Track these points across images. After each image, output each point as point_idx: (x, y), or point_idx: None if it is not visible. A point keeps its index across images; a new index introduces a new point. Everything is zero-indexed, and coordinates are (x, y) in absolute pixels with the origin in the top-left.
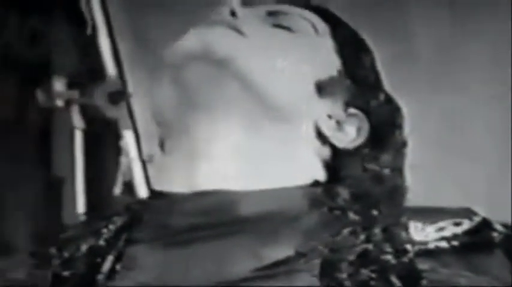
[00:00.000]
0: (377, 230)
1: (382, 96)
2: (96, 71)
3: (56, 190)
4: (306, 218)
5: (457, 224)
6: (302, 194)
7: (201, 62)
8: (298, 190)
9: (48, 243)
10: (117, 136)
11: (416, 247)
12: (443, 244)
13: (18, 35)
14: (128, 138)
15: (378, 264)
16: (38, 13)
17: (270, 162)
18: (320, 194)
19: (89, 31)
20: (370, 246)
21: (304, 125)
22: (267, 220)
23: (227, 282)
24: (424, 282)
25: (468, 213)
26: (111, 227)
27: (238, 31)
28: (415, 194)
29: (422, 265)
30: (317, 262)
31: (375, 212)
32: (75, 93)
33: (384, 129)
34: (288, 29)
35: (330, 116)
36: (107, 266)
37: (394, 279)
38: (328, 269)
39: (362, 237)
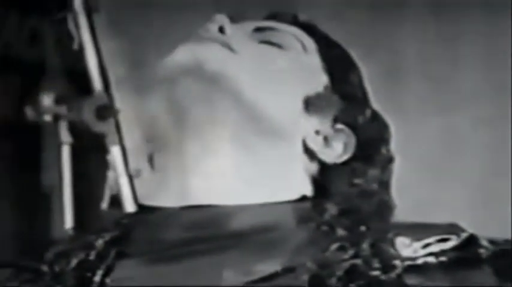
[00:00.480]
0: (365, 246)
1: (369, 113)
2: (84, 87)
3: (43, 203)
4: (295, 233)
5: (445, 240)
6: (290, 209)
7: (192, 78)
8: (287, 205)
9: (38, 258)
10: (105, 151)
11: (404, 263)
12: (431, 260)
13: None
14: (115, 153)
15: (366, 280)
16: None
17: (259, 177)
18: (308, 209)
19: (75, 46)
20: (358, 261)
21: (292, 140)
22: (255, 235)
23: None
24: None
25: (455, 229)
26: (101, 241)
27: (229, 47)
28: (402, 213)
29: (410, 280)
30: (305, 277)
31: (362, 228)
32: (63, 109)
33: (371, 144)
34: (276, 45)
35: (317, 132)
36: (97, 280)
37: None
38: (316, 285)
39: (350, 252)
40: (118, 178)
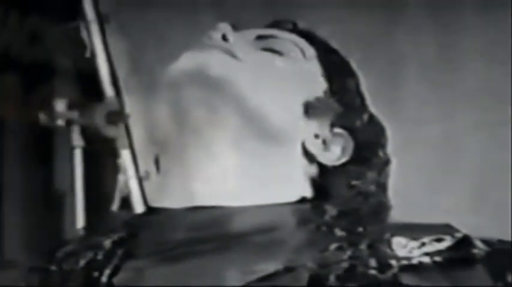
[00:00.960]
0: (363, 246)
1: (366, 117)
2: (95, 93)
3: (56, 205)
4: (295, 234)
5: (439, 240)
6: (291, 211)
7: (196, 84)
8: (287, 206)
9: (49, 258)
10: (115, 154)
11: (400, 262)
12: (426, 260)
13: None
14: (125, 157)
15: (364, 279)
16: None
17: (259, 180)
18: (308, 211)
19: (87, 54)
20: (356, 261)
21: (292, 144)
22: (257, 235)
23: None
24: None
25: (450, 230)
26: (109, 242)
27: (231, 54)
28: (398, 214)
29: (406, 279)
30: (305, 276)
31: (360, 229)
32: (75, 114)
33: (368, 148)
34: (277, 52)
35: (316, 136)
36: (104, 280)
37: None
38: (316, 284)
39: (348, 253)
40: (128, 180)
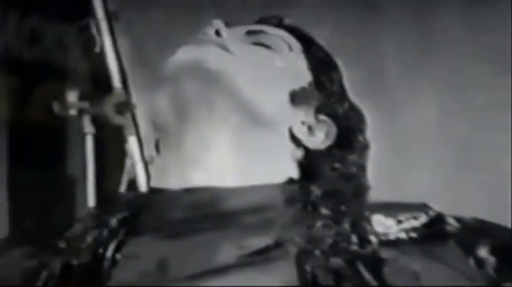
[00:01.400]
0: (345, 224)
1: (347, 105)
2: (104, 85)
3: (69, 188)
4: (283, 212)
5: (415, 218)
6: (279, 191)
7: (192, 76)
8: (276, 187)
9: (60, 235)
10: (123, 141)
11: (379, 238)
12: (403, 235)
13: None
14: (131, 143)
15: (346, 253)
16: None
17: (251, 162)
18: (295, 191)
19: (97, 50)
20: (339, 238)
21: (280, 130)
22: (249, 213)
23: (216, 268)
24: (386, 269)
25: (424, 208)
26: (114, 220)
27: (225, 48)
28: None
29: (385, 253)
30: (293, 250)
31: (343, 207)
32: (86, 104)
33: (349, 133)
34: (266, 46)
35: (302, 122)
36: (108, 255)
37: (360, 266)
38: (303, 258)
39: (333, 230)
40: (134, 164)
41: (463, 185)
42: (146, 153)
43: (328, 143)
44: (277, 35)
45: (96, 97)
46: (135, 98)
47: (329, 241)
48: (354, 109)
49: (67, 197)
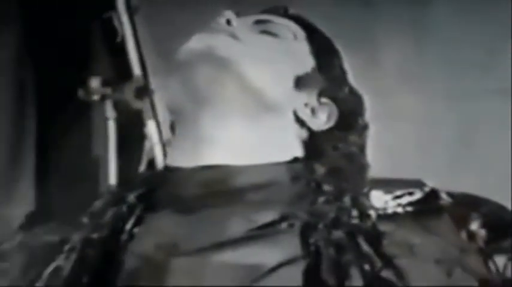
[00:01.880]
0: (346, 199)
1: (347, 89)
2: (125, 72)
3: (93, 167)
4: (289, 188)
5: (411, 194)
6: (285, 169)
7: (204, 62)
8: (282, 165)
9: (83, 211)
10: (142, 124)
11: (378, 212)
12: (400, 210)
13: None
14: (150, 126)
15: (347, 227)
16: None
17: (259, 142)
18: (299, 169)
19: (119, 39)
20: (341, 212)
21: (285, 112)
22: (257, 190)
23: (226, 241)
24: (385, 241)
25: (419, 184)
26: (132, 197)
27: (234, 36)
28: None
29: (383, 227)
30: (298, 224)
31: (344, 184)
32: (108, 90)
33: (350, 115)
34: (272, 34)
35: (306, 105)
36: (127, 229)
37: (360, 239)
38: (306, 231)
39: (334, 205)
40: (153, 146)
41: (459, 163)
42: (164, 135)
43: (330, 124)
44: (283, 24)
45: (117, 84)
46: (153, 84)
47: (331, 215)
48: (353, 92)
49: (90, 176)
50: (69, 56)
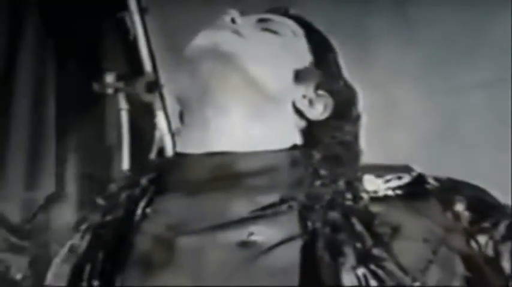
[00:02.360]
0: (341, 183)
1: (342, 82)
2: (137, 67)
3: (107, 155)
4: (288, 173)
5: (400, 178)
6: (285, 155)
7: (210, 58)
8: (282, 152)
9: (99, 193)
10: (153, 115)
11: (370, 195)
12: (390, 193)
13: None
14: (160, 117)
15: (342, 208)
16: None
17: (261, 131)
18: (298, 155)
19: (131, 38)
20: (336, 195)
21: (285, 103)
22: (259, 174)
23: (230, 221)
24: (376, 221)
25: (408, 169)
26: (145, 180)
27: (238, 34)
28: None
29: (375, 208)
30: (296, 206)
31: (339, 169)
32: (121, 84)
33: (344, 106)
34: (274, 32)
35: (304, 96)
36: (139, 211)
37: (354, 219)
38: (304, 212)
39: (330, 188)
40: (163, 135)
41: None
42: (173, 126)
43: (326, 114)
44: (284, 23)
45: (130, 78)
46: (163, 78)
47: (327, 197)
48: (348, 86)
49: (106, 162)
50: (86, 53)
